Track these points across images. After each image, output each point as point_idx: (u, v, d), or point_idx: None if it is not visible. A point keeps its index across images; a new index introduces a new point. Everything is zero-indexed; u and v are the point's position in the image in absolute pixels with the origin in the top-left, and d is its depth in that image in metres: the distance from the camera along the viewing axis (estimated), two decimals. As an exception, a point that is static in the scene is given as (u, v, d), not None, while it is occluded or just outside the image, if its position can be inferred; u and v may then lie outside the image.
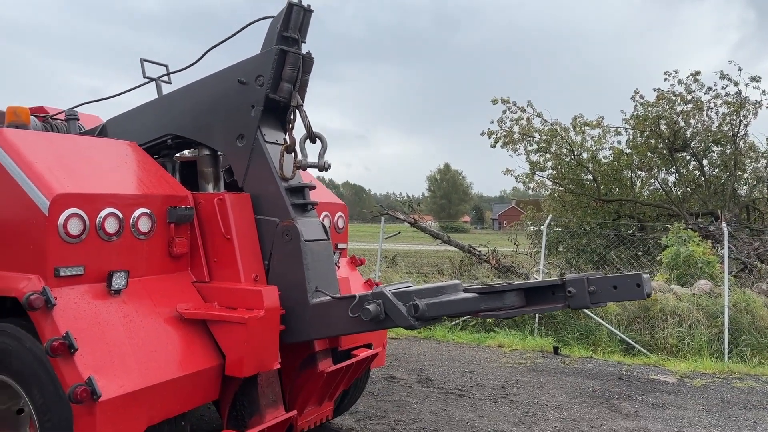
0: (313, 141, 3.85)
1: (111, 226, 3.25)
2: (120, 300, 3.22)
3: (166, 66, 4.94)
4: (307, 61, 3.87)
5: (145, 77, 4.77)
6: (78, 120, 4.72)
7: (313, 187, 3.97)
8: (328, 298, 3.57)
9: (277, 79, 3.76)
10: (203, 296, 3.59)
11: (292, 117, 3.85)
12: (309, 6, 3.83)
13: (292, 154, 3.83)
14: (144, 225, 3.43)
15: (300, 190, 3.86)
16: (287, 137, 3.88)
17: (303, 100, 3.87)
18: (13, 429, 3.38)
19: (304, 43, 3.86)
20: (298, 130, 3.86)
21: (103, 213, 3.22)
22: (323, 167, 3.91)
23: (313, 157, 3.85)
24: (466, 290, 3.47)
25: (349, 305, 3.43)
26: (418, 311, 3.28)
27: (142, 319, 3.23)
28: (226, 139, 3.94)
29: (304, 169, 3.85)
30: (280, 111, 3.91)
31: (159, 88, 4.81)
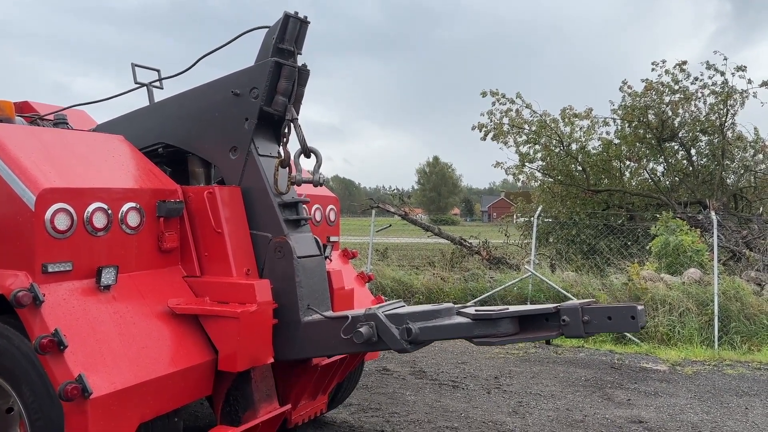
0: (308, 156, 3.78)
1: (99, 220, 3.20)
2: (110, 296, 3.17)
3: (158, 71, 4.84)
4: (303, 74, 3.78)
5: (136, 83, 4.67)
6: (67, 124, 4.61)
7: (306, 201, 3.91)
8: (319, 316, 3.51)
9: (271, 92, 3.68)
10: (194, 291, 3.55)
11: (286, 131, 3.79)
12: (305, 17, 3.72)
13: (287, 168, 3.76)
14: (133, 219, 3.38)
15: (294, 205, 3.79)
16: (281, 151, 3.81)
17: (298, 114, 3.80)
18: (2, 428, 3.33)
19: (300, 55, 3.77)
20: (293, 144, 3.81)
21: (90, 208, 3.17)
22: (318, 182, 3.85)
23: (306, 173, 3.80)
24: (458, 313, 3.40)
25: (342, 326, 3.36)
26: (411, 335, 3.22)
27: (133, 315, 3.19)
28: (218, 151, 3.86)
29: (299, 185, 3.78)
30: (274, 124, 3.84)
31: (150, 94, 4.72)
